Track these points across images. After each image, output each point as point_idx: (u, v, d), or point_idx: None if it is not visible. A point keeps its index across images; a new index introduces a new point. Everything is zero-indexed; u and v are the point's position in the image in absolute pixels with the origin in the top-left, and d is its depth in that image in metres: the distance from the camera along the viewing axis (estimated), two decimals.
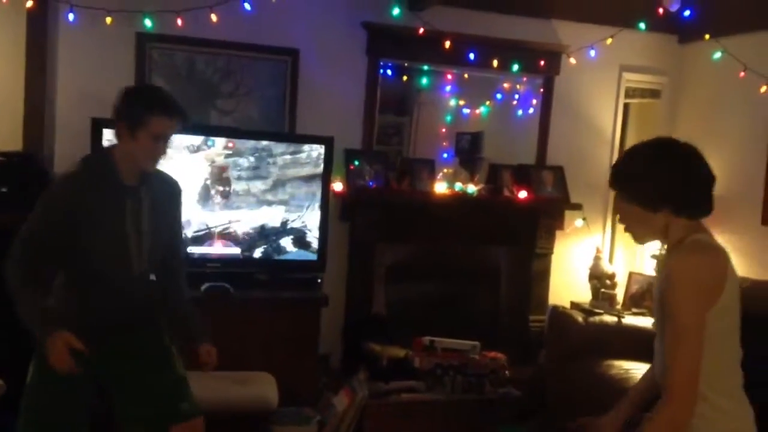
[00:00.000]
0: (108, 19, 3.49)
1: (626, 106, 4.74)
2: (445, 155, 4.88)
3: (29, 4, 3.42)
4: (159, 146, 2.19)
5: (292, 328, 3.64)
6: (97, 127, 3.47)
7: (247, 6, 3.65)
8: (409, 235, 4.26)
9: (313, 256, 3.85)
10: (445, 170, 4.50)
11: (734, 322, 1.89)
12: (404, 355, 3.93)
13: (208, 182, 3.68)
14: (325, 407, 3.58)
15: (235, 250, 3.74)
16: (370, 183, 4.09)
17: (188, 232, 3.65)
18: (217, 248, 3.71)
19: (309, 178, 3.80)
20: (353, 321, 4.11)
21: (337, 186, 4.01)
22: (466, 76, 4.65)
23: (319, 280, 3.86)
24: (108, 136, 3.45)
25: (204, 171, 3.67)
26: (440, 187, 4.24)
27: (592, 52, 4.30)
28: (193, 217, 3.66)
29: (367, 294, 4.18)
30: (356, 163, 4.08)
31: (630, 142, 4.78)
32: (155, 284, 2.39)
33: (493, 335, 4.36)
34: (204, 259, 3.68)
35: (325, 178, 3.86)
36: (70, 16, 3.47)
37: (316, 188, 3.81)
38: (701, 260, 1.81)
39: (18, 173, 3.27)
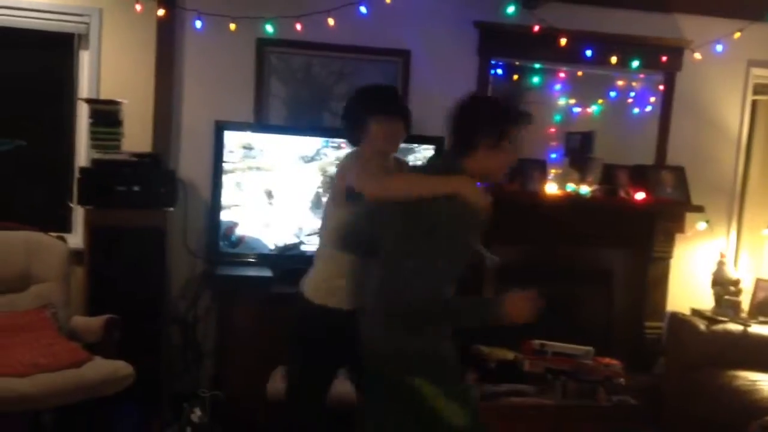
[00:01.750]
0: (232, 26, 3.65)
1: (754, 103, 4.48)
2: (554, 155, 4.77)
3: (160, 12, 3.63)
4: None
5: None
6: (219, 129, 3.64)
7: (362, 9, 3.71)
8: (520, 236, 4.19)
9: None
10: (554, 171, 4.40)
11: None
12: (513, 358, 3.88)
13: (320, 190, 3.78)
14: None
15: None
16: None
17: (302, 236, 3.80)
18: None
19: None
20: None
21: None
22: (579, 73, 4.52)
23: None
24: (231, 146, 3.63)
25: (316, 180, 3.78)
26: (551, 188, 4.15)
27: (719, 47, 4.10)
28: (305, 222, 3.79)
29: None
30: None
31: (758, 141, 4.52)
32: None
33: (606, 341, 4.23)
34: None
35: None
36: (197, 23, 3.65)
37: None
38: None
39: (148, 173, 3.46)
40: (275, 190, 3.77)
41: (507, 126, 2.14)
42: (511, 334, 3.97)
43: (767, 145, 4.50)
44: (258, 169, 3.73)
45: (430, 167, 2.41)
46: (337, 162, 3.76)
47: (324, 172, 3.80)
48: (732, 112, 4.39)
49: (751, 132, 4.49)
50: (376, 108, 2.53)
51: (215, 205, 3.67)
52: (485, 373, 3.74)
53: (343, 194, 2.49)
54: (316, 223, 3.77)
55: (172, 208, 3.53)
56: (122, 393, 3.01)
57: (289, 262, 3.76)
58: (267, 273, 3.60)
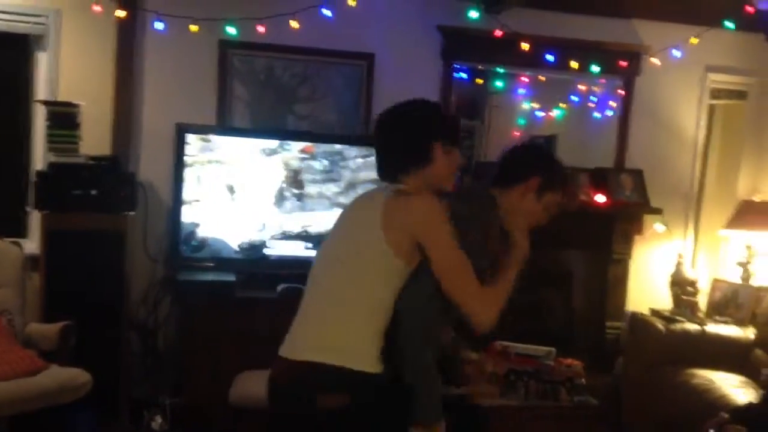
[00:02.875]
0: (193, 27, 3.61)
1: (711, 107, 4.58)
2: None
3: (120, 13, 3.57)
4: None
5: None
6: (180, 132, 3.60)
7: (326, 12, 3.70)
8: None
9: None
10: None
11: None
12: (476, 360, 3.90)
13: (284, 185, 3.74)
14: None
15: (311, 252, 3.80)
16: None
17: (265, 236, 3.73)
18: (292, 249, 3.78)
19: (378, 180, 3.81)
20: None
21: None
22: (542, 78, 4.58)
23: None
24: (190, 141, 3.58)
25: (279, 174, 3.74)
26: None
27: (676, 52, 4.18)
28: (269, 219, 3.73)
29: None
30: None
31: (714, 145, 4.62)
32: None
33: (568, 341, 4.28)
34: (280, 261, 3.75)
35: None
36: (158, 25, 3.60)
37: None
38: None
39: (106, 176, 3.40)
40: (237, 185, 3.71)
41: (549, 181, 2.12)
42: (474, 337, 4.04)
43: (723, 148, 4.61)
44: (218, 162, 3.65)
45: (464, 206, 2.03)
46: (301, 154, 3.78)
47: (287, 165, 3.74)
48: (689, 116, 4.48)
49: (708, 136, 4.59)
50: (447, 133, 1.99)
51: (176, 209, 3.63)
52: (449, 375, 3.75)
53: (406, 265, 1.87)
54: (280, 219, 3.74)
55: (131, 212, 3.47)
56: (80, 401, 2.96)
57: (253, 266, 3.74)
58: (229, 277, 3.57)
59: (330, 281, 1.97)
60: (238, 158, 3.70)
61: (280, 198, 3.76)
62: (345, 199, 3.80)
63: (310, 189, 3.80)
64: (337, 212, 3.88)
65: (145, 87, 3.76)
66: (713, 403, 3.21)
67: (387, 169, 2.03)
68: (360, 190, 3.80)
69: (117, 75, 3.69)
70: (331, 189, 3.81)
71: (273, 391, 2.04)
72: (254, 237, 3.74)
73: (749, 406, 2.94)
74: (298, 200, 3.78)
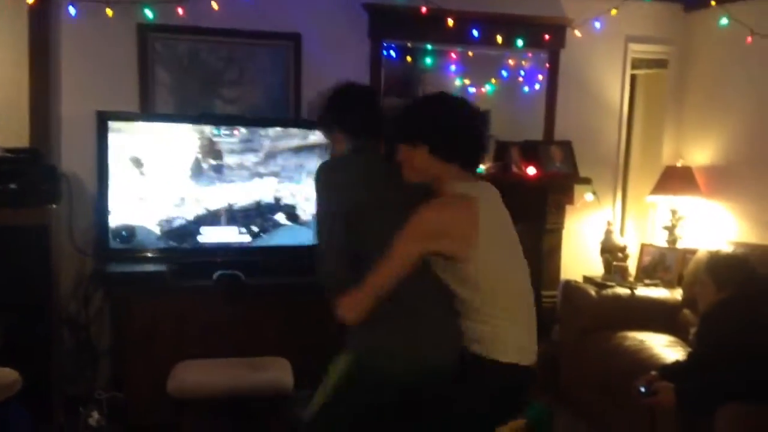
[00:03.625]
0: (108, 11, 3.50)
1: (633, 77, 4.69)
2: None
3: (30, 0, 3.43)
4: None
5: (305, 313, 3.66)
6: (102, 120, 3.49)
7: None
8: None
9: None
10: None
11: (501, 257, 2.13)
12: None
13: (199, 155, 3.64)
14: None
15: (245, 238, 3.76)
16: None
17: (187, 213, 3.65)
18: (226, 236, 3.72)
19: (298, 150, 3.78)
20: None
21: None
22: (470, 54, 4.61)
23: None
24: (114, 129, 3.48)
25: (193, 143, 3.62)
26: None
27: (597, 24, 4.26)
28: (188, 193, 3.64)
29: None
30: None
31: (638, 114, 4.75)
32: None
33: None
34: (214, 248, 3.70)
35: None
36: (71, 10, 3.47)
37: (305, 160, 3.79)
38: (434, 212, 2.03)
39: (26, 169, 3.28)
40: (144, 158, 3.54)
41: None
42: None
43: (646, 117, 4.74)
44: (119, 131, 3.48)
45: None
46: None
47: (201, 133, 3.62)
48: (613, 86, 4.58)
49: (631, 105, 4.70)
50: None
51: (102, 200, 3.52)
52: None
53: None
54: (199, 193, 3.63)
55: (55, 205, 3.36)
56: (12, 400, 2.86)
57: (186, 255, 3.67)
58: (161, 267, 3.50)
59: (524, 286, 2.24)
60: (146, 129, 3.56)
61: (197, 170, 3.63)
62: (264, 170, 3.73)
63: (229, 160, 3.68)
64: (258, 183, 3.82)
65: (63, 75, 3.64)
66: (644, 362, 3.31)
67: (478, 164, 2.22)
68: (280, 161, 3.77)
69: (31, 63, 3.55)
70: (250, 159, 3.72)
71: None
72: (172, 213, 3.61)
73: (676, 363, 3.04)
74: (216, 172, 3.66)
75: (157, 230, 3.60)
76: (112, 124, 3.47)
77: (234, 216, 3.72)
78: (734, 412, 2.58)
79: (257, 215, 3.75)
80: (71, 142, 3.65)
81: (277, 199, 3.78)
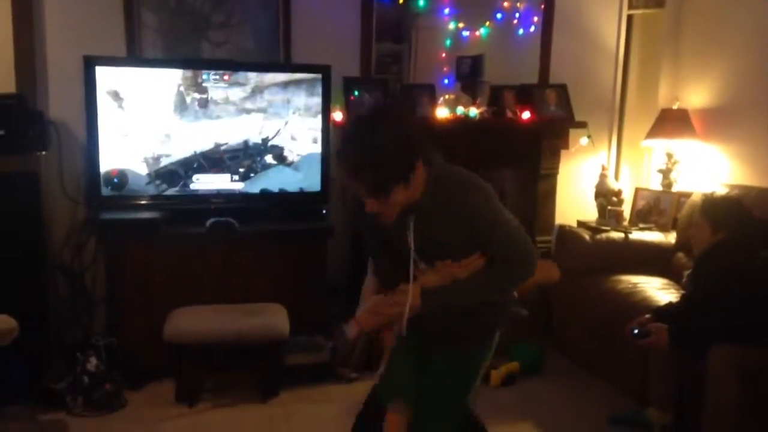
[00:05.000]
0: None
1: (630, 17, 4.59)
2: (446, 81, 4.78)
3: None
4: None
5: (300, 260, 3.66)
6: (89, 65, 3.41)
7: None
8: None
9: (313, 184, 3.83)
10: (447, 96, 4.41)
11: None
12: None
13: (182, 88, 3.56)
14: (337, 335, 3.63)
15: (238, 185, 3.72)
16: None
17: (174, 151, 3.58)
18: (219, 182, 3.69)
19: (285, 85, 3.71)
20: (360, 251, 4.12)
21: (337, 116, 3.95)
22: None
23: (324, 212, 3.85)
24: (101, 74, 3.40)
25: (175, 75, 3.54)
26: (442, 113, 4.17)
27: None
28: (173, 129, 3.57)
29: None
30: (356, 93, 3.99)
31: (634, 56, 4.66)
32: None
33: None
34: (206, 195, 3.67)
35: (325, 108, 3.80)
36: None
37: (292, 95, 3.73)
38: None
39: (13, 115, 3.21)
40: (122, 91, 3.46)
41: None
42: None
43: (643, 58, 4.66)
44: (103, 70, 3.38)
45: None
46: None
47: (185, 64, 3.53)
48: (609, 27, 4.49)
49: (628, 46, 4.62)
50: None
51: (92, 147, 3.47)
52: None
53: None
54: (184, 129, 3.56)
55: (43, 152, 3.31)
56: (9, 348, 2.87)
57: (178, 202, 3.64)
58: (154, 215, 3.48)
59: None
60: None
61: (181, 103, 3.56)
62: (252, 105, 3.67)
63: (214, 94, 3.60)
64: (245, 120, 3.78)
65: (47, 19, 3.54)
66: (637, 305, 3.33)
67: None
68: (267, 96, 3.70)
69: (14, 7, 3.44)
70: (237, 94, 3.64)
71: None
72: (158, 150, 3.54)
73: (669, 305, 3.07)
74: (201, 106, 3.59)
75: (144, 169, 3.55)
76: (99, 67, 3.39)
77: (222, 158, 3.68)
78: (726, 352, 2.61)
79: (245, 157, 3.71)
80: (58, 87, 3.57)
81: (265, 140, 3.73)
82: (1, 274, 3.06)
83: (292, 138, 3.76)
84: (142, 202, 3.57)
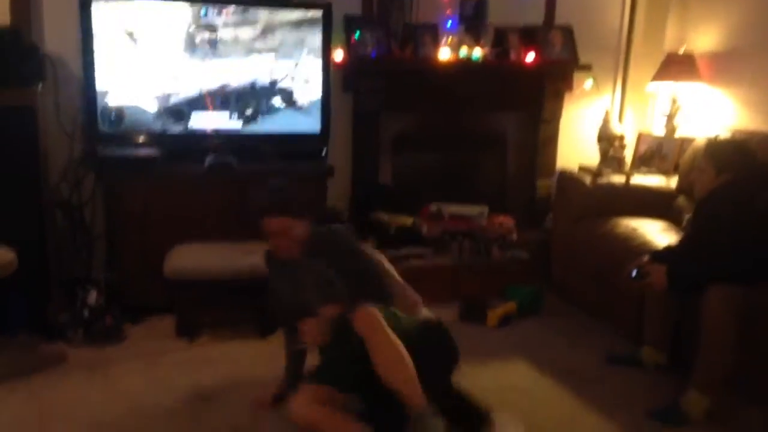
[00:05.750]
0: None
1: None
2: (450, 23, 4.68)
3: None
4: None
5: (299, 200, 3.64)
6: None
7: None
8: (414, 103, 4.17)
9: (314, 126, 3.79)
10: (450, 39, 4.32)
11: None
12: (411, 223, 3.95)
13: (192, 28, 3.50)
14: None
15: (237, 124, 3.68)
16: (373, 52, 3.94)
17: (182, 91, 3.54)
18: (218, 121, 3.65)
19: (298, 24, 3.63)
20: (360, 192, 4.11)
21: (338, 55, 3.88)
22: None
23: (323, 152, 3.82)
24: (96, 9, 3.33)
25: (186, 15, 3.48)
26: (445, 54, 4.10)
27: None
28: (181, 69, 3.52)
29: (373, 165, 4.15)
30: (357, 34, 3.91)
31: None
32: None
33: (501, 202, 4.37)
34: (205, 133, 3.63)
35: (325, 46, 3.73)
36: None
37: (306, 35, 3.67)
38: None
39: (6, 48, 3.15)
40: (137, 31, 3.43)
41: None
42: (408, 201, 4.08)
43: (650, 0, 4.55)
44: (105, 5, 3.34)
45: None
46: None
47: (193, 3, 3.47)
48: None
49: None
50: None
51: (89, 81, 3.42)
52: (386, 240, 3.81)
53: None
54: (193, 68, 3.53)
55: (39, 86, 3.26)
56: (9, 281, 2.88)
57: (177, 140, 3.61)
58: (153, 152, 3.45)
59: None
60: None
61: (191, 43, 3.50)
62: (262, 45, 3.60)
63: (224, 33, 3.54)
64: (255, 59, 3.74)
65: None
66: (635, 248, 3.32)
67: None
68: (278, 35, 3.63)
69: None
70: (247, 33, 3.56)
71: None
72: (167, 90, 3.51)
73: (668, 247, 3.06)
74: (211, 47, 3.53)
75: (152, 108, 3.51)
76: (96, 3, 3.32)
77: (227, 98, 3.63)
78: (724, 293, 2.61)
79: (252, 97, 3.65)
80: (54, 21, 3.50)
81: (273, 82, 3.67)
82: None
83: (306, 81, 3.69)
84: (140, 139, 3.53)
